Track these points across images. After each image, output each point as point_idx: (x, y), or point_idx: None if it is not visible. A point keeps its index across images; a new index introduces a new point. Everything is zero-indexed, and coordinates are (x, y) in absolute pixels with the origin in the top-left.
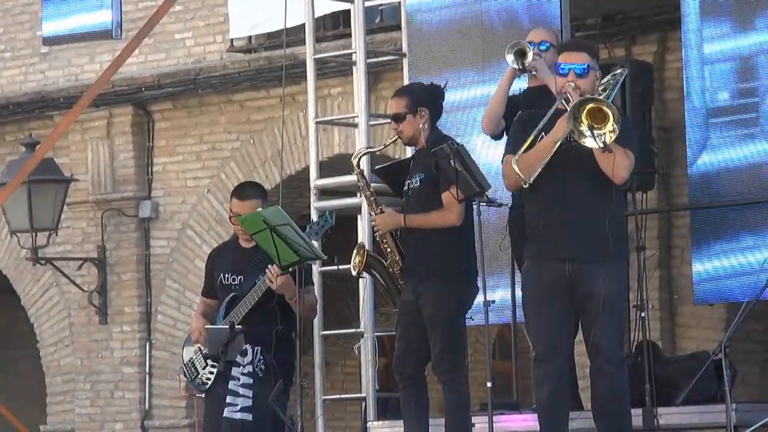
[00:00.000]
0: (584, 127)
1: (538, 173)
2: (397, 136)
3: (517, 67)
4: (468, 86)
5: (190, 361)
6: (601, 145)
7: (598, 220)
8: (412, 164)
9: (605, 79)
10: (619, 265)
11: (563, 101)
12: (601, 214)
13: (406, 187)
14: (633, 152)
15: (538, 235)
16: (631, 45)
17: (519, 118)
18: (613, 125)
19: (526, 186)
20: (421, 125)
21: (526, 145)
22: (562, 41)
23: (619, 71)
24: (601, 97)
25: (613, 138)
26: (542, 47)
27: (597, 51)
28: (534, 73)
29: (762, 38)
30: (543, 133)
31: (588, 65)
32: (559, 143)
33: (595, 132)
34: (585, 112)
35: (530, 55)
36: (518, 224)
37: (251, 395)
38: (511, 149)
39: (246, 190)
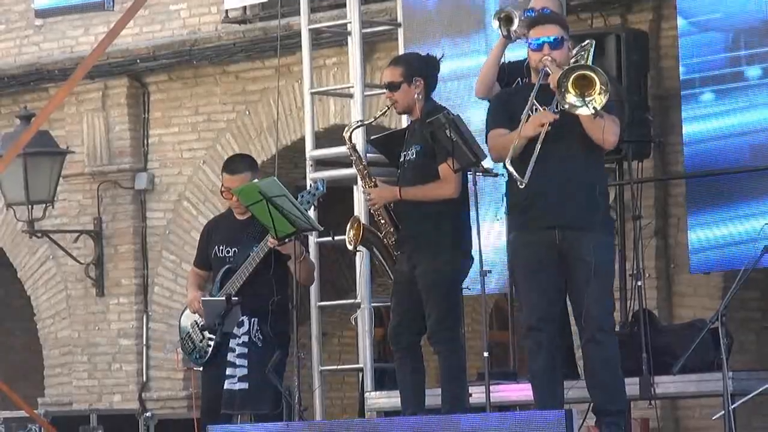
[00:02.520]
0: (573, 97)
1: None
2: (387, 107)
3: (502, 34)
4: (463, 56)
5: (187, 334)
6: (593, 111)
7: (587, 188)
8: (407, 135)
9: (575, 51)
10: (607, 233)
11: (544, 76)
12: (590, 182)
13: (402, 159)
14: (620, 117)
15: (526, 205)
16: (627, 13)
17: (498, 94)
18: (600, 88)
19: (522, 186)
20: (416, 95)
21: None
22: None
23: (586, 43)
24: (583, 63)
25: (604, 100)
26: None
27: (566, 23)
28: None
29: (756, 6)
30: (532, 111)
31: (560, 37)
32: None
33: (586, 99)
34: (570, 82)
35: (516, 22)
36: None
37: (247, 364)
38: (492, 124)
39: (236, 164)
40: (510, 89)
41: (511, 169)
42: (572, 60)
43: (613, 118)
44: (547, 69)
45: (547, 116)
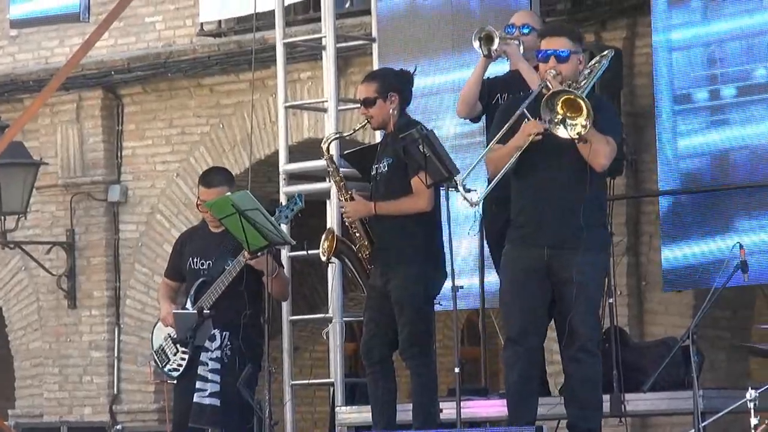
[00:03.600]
0: (559, 117)
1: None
2: (366, 121)
3: (483, 53)
4: (438, 72)
5: (160, 347)
6: (575, 136)
7: (576, 208)
8: (379, 149)
9: (593, 61)
10: (597, 252)
11: (544, 88)
12: (583, 201)
13: (374, 172)
14: (615, 139)
15: (520, 221)
16: (601, 30)
17: (503, 108)
18: (585, 120)
19: (473, 207)
20: (390, 110)
21: (502, 132)
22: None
23: (606, 52)
24: (575, 90)
25: (583, 131)
26: (524, 30)
27: (580, 35)
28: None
29: (730, 25)
30: (526, 119)
31: (569, 51)
32: (523, 148)
33: (568, 122)
34: (560, 102)
35: (496, 42)
36: (494, 212)
37: (219, 380)
38: (491, 137)
39: (213, 177)
40: (512, 101)
41: (461, 189)
42: (586, 70)
43: (607, 139)
44: (548, 83)
45: (536, 126)
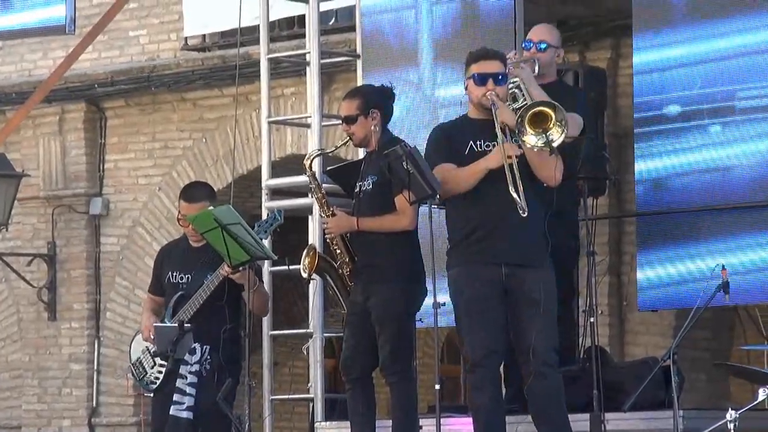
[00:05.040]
0: (533, 136)
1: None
2: (348, 138)
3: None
4: (421, 89)
5: (138, 360)
6: (568, 140)
7: (533, 225)
8: (363, 166)
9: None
10: (551, 269)
11: (491, 111)
12: (538, 219)
13: (357, 189)
14: (581, 119)
15: (472, 240)
16: (585, 50)
17: (438, 129)
18: (555, 123)
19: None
20: (372, 127)
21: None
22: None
23: (515, 80)
24: (538, 101)
25: (563, 132)
26: (541, 47)
27: (506, 60)
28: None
29: (712, 47)
30: (479, 141)
31: (503, 73)
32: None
33: (548, 135)
34: (527, 120)
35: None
36: None
37: (196, 394)
38: (437, 159)
39: (194, 191)
40: (447, 123)
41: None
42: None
43: (557, 155)
44: (494, 105)
45: (515, 149)
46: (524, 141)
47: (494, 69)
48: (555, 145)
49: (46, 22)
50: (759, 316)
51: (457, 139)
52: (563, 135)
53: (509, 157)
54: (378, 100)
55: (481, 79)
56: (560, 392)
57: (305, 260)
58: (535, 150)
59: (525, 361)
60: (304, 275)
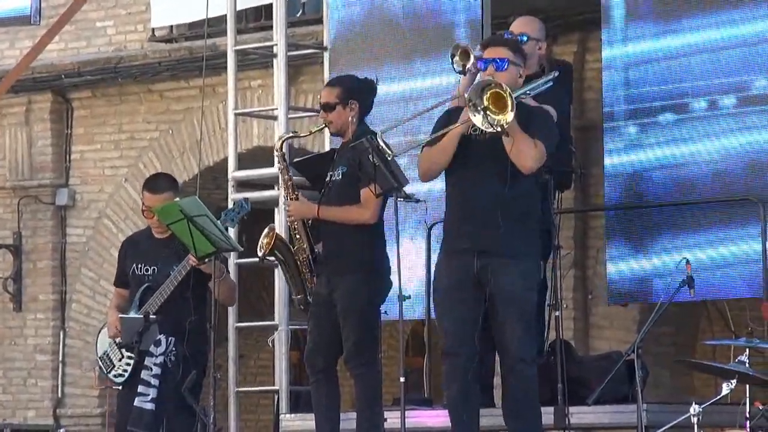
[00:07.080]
0: (482, 106)
1: (440, 168)
2: (324, 125)
3: (456, 69)
4: (389, 82)
5: (105, 353)
6: (486, 127)
7: (507, 215)
8: (336, 156)
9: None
10: (528, 261)
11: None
12: (511, 209)
13: (328, 178)
14: (546, 146)
15: (450, 229)
16: (552, 44)
17: (449, 110)
18: (506, 117)
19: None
20: (350, 117)
21: (436, 135)
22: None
23: (551, 75)
24: (503, 85)
25: (500, 130)
26: (522, 39)
27: (521, 49)
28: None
29: (682, 41)
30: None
31: (507, 60)
32: (465, 132)
33: (489, 115)
34: (489, 93)
35: (472, 59)
36: None
37: (159, 385)
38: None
39: (158, 182)
40: (454, 107)
41: (420, 161)
42: (527, 86)
43: (535, 142)
44: (471, 71)
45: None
46: (473, 115)
47: (497, 55)
48: (476, 122)
49: (11, 12)
50: (728, 311)
51: (454, 122)
52: (505, 121)
53: (466, 119)
54: (358, 92)
55: (484, 65)
56: (535, 390)
57: (263, 239)
58: (473, 119)
59: (501, 355)
60: (259, 254)
